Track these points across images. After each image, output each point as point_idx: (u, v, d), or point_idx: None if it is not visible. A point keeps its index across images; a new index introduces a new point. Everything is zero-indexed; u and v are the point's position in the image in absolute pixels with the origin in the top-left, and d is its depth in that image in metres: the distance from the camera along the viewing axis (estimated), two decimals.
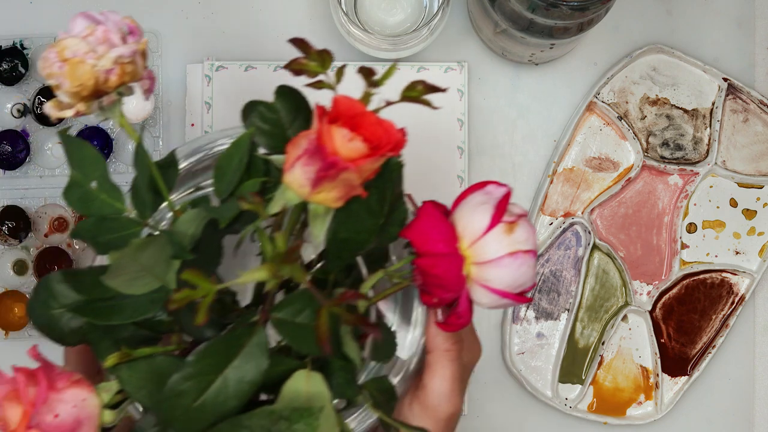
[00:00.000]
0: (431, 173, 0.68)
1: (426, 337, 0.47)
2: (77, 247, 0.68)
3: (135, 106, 0.67)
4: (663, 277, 0.68)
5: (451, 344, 0.46)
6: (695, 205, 0.69)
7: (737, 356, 0.69)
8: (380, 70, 0.67)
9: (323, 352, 0.38)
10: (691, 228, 0.69)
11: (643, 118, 0.68)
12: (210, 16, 0.69)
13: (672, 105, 0.69)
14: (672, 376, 0.68)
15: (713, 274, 0.68)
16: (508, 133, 0.69)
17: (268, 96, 0.68)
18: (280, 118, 0.44)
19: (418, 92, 0.42)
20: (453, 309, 0.42)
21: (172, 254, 0.40)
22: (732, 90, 0.69)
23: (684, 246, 0.68)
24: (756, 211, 0.69)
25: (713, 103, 0.69)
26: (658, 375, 0.68)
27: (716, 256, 0.69)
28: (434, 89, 0.41)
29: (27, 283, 0.67)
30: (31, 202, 0.68)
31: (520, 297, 0.41)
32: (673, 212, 0.68)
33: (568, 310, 0.68)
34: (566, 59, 0.70)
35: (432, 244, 0.40)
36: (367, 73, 0.41)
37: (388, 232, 0.43)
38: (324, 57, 0.41)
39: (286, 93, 0.45)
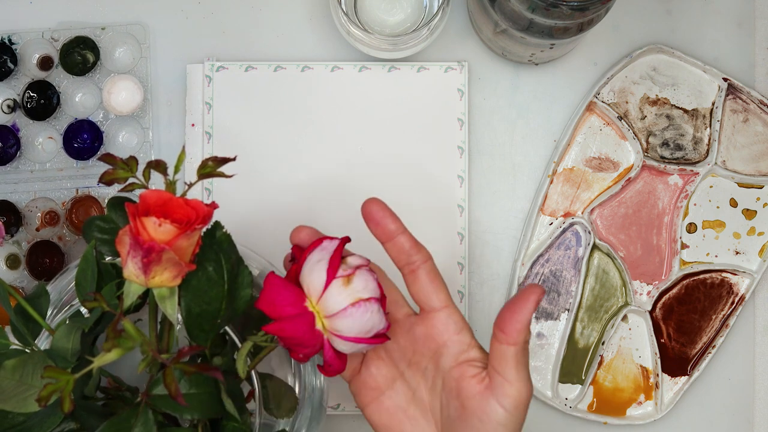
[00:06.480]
0: (431, 173, 0.68)
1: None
2: (68, 239, 0.68)
3: (123, 98, 0.67)
4: (663, 277, 0.68)
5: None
6: (695, 205, 0.69)
7: (737, 356, 0.69)
8: (380, 69, 0.68)
9: (204, 414, 0.44)
10: (691, 228, 0.69)
11: (643, 118, 0.68)
12: (210, 16, 0.69)
13: (672, 105, 0.69)
14: (672, 376, 0.68)
15: (713, 274, 0.68)
16: (508, 133, 0.69)
17: (269, 96, 0.68)
18: (117, 226, 0.48)
19: (210, 168, 0.46)
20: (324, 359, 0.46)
21: (59, 366, 0.44)
22: (732, 90, 0.69)
23: (684, 246, 0.68)
24: (756, 211, 0.69)
25: (713, 103, 0.69)
26: (658, 375, 0.68)
27: (716, 256, 0.69)
28: (225, 161, 0.45)
29: (20, 277, 0.67)
30: (21, 196, 0.68)
31: (375, 339, 0.45)
32: (673, 212, 0.68)
33: (568, 310, 0.68)
34: (566, 59, 0.70)
35: (280, 310, 0.44)
36: (156, 165, 0.45)
37: (239, 297, 0.47)
38: (130, 163, 0.45)
39: (116, 203, 0.49)
